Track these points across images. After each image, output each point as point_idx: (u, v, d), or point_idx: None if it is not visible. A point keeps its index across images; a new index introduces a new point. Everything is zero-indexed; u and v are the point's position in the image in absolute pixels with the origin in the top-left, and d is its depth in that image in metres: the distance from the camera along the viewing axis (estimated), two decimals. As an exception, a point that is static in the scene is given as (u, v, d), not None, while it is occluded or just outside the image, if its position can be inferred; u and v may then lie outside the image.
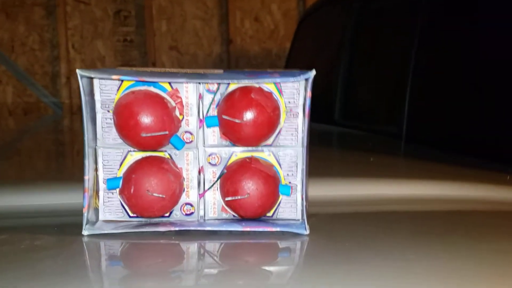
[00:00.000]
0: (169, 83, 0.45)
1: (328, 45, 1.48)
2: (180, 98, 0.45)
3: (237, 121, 0.43)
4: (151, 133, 0.43)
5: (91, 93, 0.44)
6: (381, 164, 0.73)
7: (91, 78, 0.44)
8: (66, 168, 0.84)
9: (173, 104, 0.45)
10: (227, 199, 0.44)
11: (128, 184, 0.44)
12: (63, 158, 0.99)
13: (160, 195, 0.43)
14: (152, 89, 0.44)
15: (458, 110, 0.83)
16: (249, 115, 0.43)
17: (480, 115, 0.77)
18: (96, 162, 0.45)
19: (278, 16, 2.61)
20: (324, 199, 0.54)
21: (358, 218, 0.51)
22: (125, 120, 0.43)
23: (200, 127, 0.46)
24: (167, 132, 0.44)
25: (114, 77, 0.43)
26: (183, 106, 0.45)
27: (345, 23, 1.36)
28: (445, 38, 0.91)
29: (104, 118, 0.45)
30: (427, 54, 0.95)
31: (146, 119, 0.43)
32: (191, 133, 0.46)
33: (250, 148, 0.46)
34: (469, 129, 0.80)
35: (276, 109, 0.45)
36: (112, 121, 0.45)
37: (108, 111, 0.45)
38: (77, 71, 0.42)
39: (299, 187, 0.47)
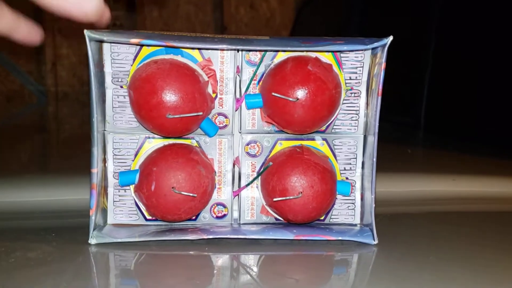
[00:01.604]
0: (200, 52, 0.35)
1: (331, 32, 1.39)
2: (214, 71, 0.36)
3: (291, 99, 0.34)
4: (179, 115, 0.34)
5: (99, 64, 0.35)
6: (419, 157, 0.65)
7: (101, 42, 0.35)
8: (56, 160, 0.74)
9: (206, 78, 0.35)
10: (275, 199, 0.35)
11: (148, 180, 0.34)
12: (51, 148, 0.89)
13: (190, 194, 0.34)
14: (179, 58, 0.35)
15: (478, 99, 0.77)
16: (306, 92, 0.34)
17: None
18: (104, 152, 0.36)
19: (274, 4, 2.52)
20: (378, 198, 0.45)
21: (427, 220, 0.42)
22: (145, 97, 0.33)
23: (236, 109, 0.37)
24: (200, 113, 0.34)
25: (132, 41, 0.33)
26: (216, 81, 0.36)
27: (350, 7, 1.27)
28: (466, 24, 0.84)
29: (116, 96, 0.36)
30: (447, 39, 0.88)
31: (172, 96, 0.33)
32: (225, 116, 0.36)
33: (298, 136, 0.37)
34: (489, 118, 0.73)
35: (338, 85, 0.35)
36: (126, 100, 0.36)
37: (121, 87, 0.36)
38: (85, 32, 0.32)
39: (358, 185, 0.38)
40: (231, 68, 0.36)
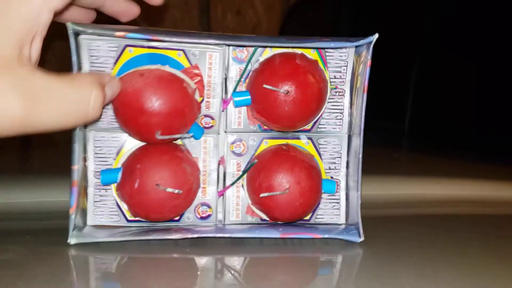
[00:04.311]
0: (187, 58, 0.34)
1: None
2: (200, 76, 0.35)
3: (281, 91, 0.33)
4: (169, 135, 0.33)
5: (78, 66, 0.33)
6: (404, 161, 0.65)
7: (86, 34, 0.33)
8: (36, 160, 0.72)
9: (193, 86, 0.34)
10: (262, 195, 0.34)
11: (131, 177, 0.33)
12: (32, 147, 0.87)
13: (175, 191, 0.33)
14: (167, 68, 0.33)
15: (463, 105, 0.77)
16: (296, 85, 0.33)
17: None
18: (85, 150, 0.35)
19: (260, 11, 2.51)
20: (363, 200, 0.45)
21: (412, 223, 0.42)
22: (132, 114, 0.32)
23: (223, 110, 0.36)
24: (191, 135, 0.34)
25: (118, 34, 0.32)
26: (203, 86, 0.35)
27: (337, 15, 1.28)
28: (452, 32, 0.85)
29: None
30: (432, 46, 0.89)
31: (162, 115, 0.32)
32: (212, 118, 0.36)
33: (283, 135, 0.37)
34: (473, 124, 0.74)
35: (325, 80, 0.35)
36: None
37: None
38: (68, 24, 0.31)
39: (342, 184, 0.37)
40: (219, 74, 0.35)
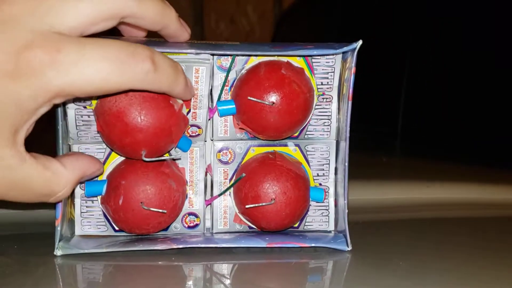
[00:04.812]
0: None
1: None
2: None
3: (267, 103, 0.33)
4: (156, 157, 0.33)
5: None
6: (395, 165, 0.65)
7: None
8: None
9: (180, 101, 0.33)
10: (248, 206, 0.34)
11: (115, 193, 0.33)
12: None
13: (160, 210, 0.33)
14: None
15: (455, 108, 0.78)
16: (282, 96, 0.33)
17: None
18: None
19: (253, 18, 2.52)
20: (351, 205, 0.45)
21: (401, 227, 0.42)
22: (117, 135, 0.32)
23: (210, 118, 0.36)
24: (179, 158, 0.34)
25: None
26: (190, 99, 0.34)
27: (328, 21, 1.29)
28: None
29: (79, 116, 0.34)
30: (423, 50, 0.89)
31: (148, 135, 0.31)
32: (198, 127, 0.35)
33: (270, 142, 0.37)
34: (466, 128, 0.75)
35: (311, 89, 0.35)
36: (91, 119, 0.34)
37: (85, 107, 0.34)
38: None
39: (331, 191, 0.37)
40: (205, 86, 0.34)
